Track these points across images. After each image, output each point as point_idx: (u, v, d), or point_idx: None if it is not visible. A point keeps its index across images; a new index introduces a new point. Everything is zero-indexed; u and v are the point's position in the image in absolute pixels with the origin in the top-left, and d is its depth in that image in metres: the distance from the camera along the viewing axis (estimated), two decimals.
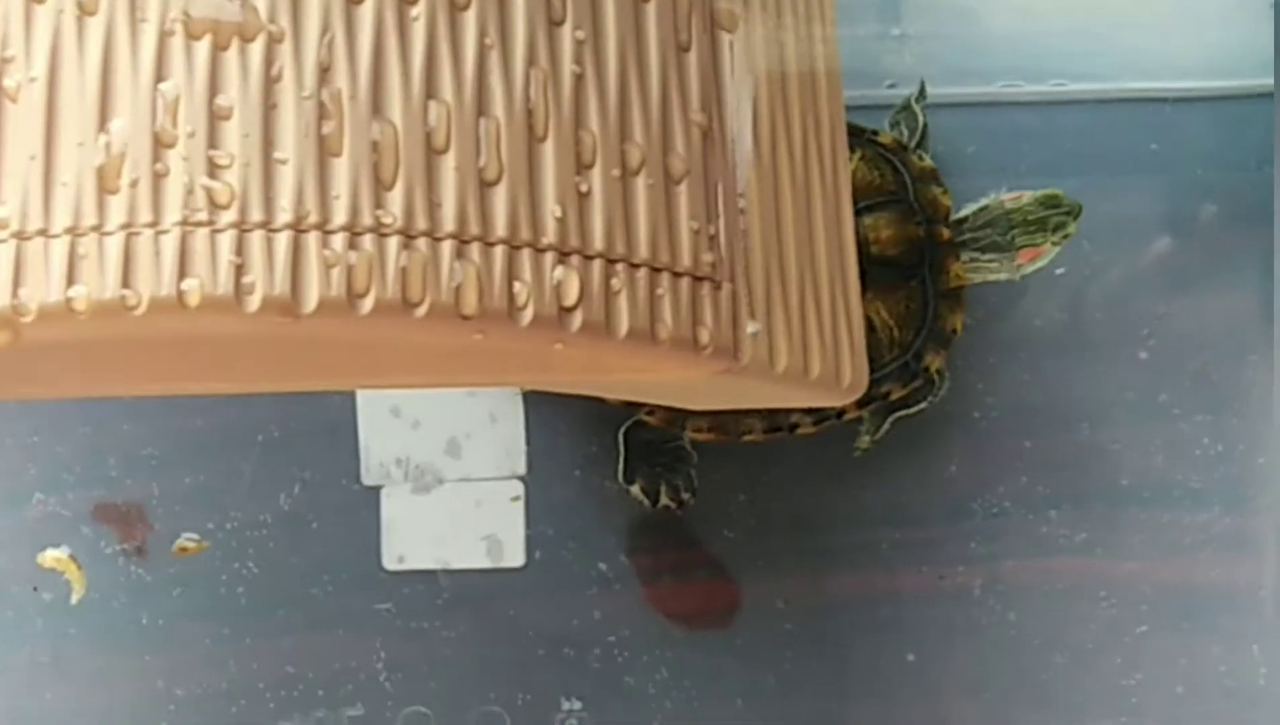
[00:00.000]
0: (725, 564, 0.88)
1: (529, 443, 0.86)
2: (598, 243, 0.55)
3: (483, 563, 0.87)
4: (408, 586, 0.87)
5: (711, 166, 0.59)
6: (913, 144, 0.87)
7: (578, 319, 0.54)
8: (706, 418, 0.82)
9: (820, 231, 0.63)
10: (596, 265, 0.55)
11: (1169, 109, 0.94)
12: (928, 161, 0.85)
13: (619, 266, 0.55)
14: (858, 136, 0.84)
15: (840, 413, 0.82)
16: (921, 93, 0.91)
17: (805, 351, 0.61)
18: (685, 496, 0.86)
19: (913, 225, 0.82)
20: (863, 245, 0.79)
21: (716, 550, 0.88)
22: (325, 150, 0.46)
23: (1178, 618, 0.86)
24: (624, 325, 0.55)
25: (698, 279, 0.57)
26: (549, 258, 0.54)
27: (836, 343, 0.63)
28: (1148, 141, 0.93)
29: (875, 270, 0.81)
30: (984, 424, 0.89)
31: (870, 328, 0.79)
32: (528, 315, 0.53)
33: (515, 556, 0.86)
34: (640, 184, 0.57)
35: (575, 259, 0.54)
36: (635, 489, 0.86)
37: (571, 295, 0.54)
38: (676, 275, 0.57)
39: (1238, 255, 0.91)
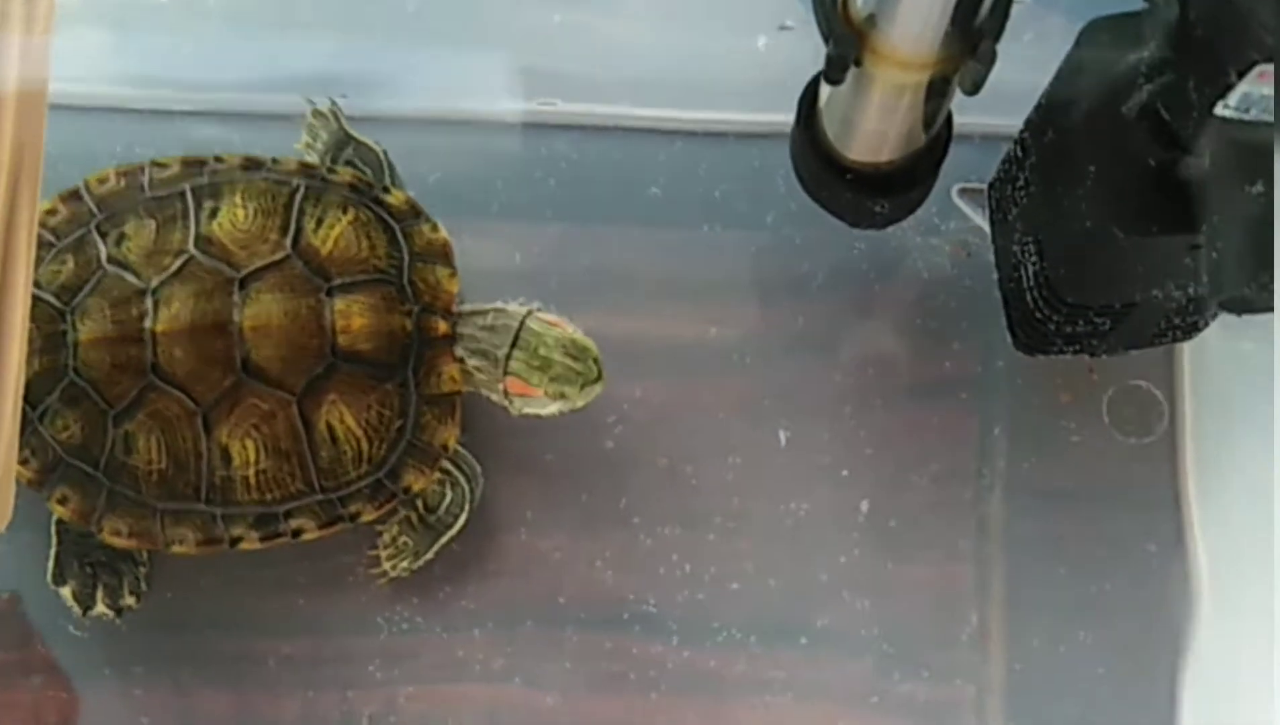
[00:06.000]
0: (65, 669, 0.79)
1: None
2: None
3: None
4: None
5: None
6: (383, 182, 0.80)
7: None
8: (126, 520, 0.74)
9: None
10: None
11: (679, 144, 0.88)
12: (441, 234, 0.77)
13: None
14: (361, 193, 0.77)
15: (297, 532, 0.74)
16: (336, 115, 0.83)
17: None
18: (128, 601, 0.77)
19: (399, 314, 0.74)
20: (329, 332, 0.72)
21: (58, 652, 0.79)
22: None
23: None
24: None
25: None
26: None
27: None
28: (648, 184, 0.87)
29: (343, 367, 0.73)
30: None
31: (331, 437, 0.73)
32: None
33: None
34: None
35: None
36: (66, 593, 0.77)
37: None
38: None
39: (744, 328, 0.85)
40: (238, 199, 0.75)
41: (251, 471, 0.73)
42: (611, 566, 0.81)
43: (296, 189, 0.76)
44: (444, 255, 0.77)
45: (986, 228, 0.84)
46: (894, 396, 0.84)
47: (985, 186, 0.82)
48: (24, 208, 0.57)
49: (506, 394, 0.76)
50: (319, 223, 0.75)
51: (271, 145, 0.81)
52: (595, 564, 0.81)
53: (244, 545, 0.74)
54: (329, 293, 0.73)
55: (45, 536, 0.77)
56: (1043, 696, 0.80)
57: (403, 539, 0.78)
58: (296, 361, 0.72)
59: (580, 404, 0.75)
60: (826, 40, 0.66)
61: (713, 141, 0.87)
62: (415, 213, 0.77)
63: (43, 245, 0.74)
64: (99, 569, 0.77)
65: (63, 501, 0.73)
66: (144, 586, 0.78)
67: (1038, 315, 0.76)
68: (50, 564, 0.76)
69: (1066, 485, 0.83)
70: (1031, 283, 0.75)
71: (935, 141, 0.75)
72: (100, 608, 0.76)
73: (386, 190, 0.78)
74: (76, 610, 0.76)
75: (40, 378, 0.72)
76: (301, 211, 0.75)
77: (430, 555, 0.78)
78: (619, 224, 0.86)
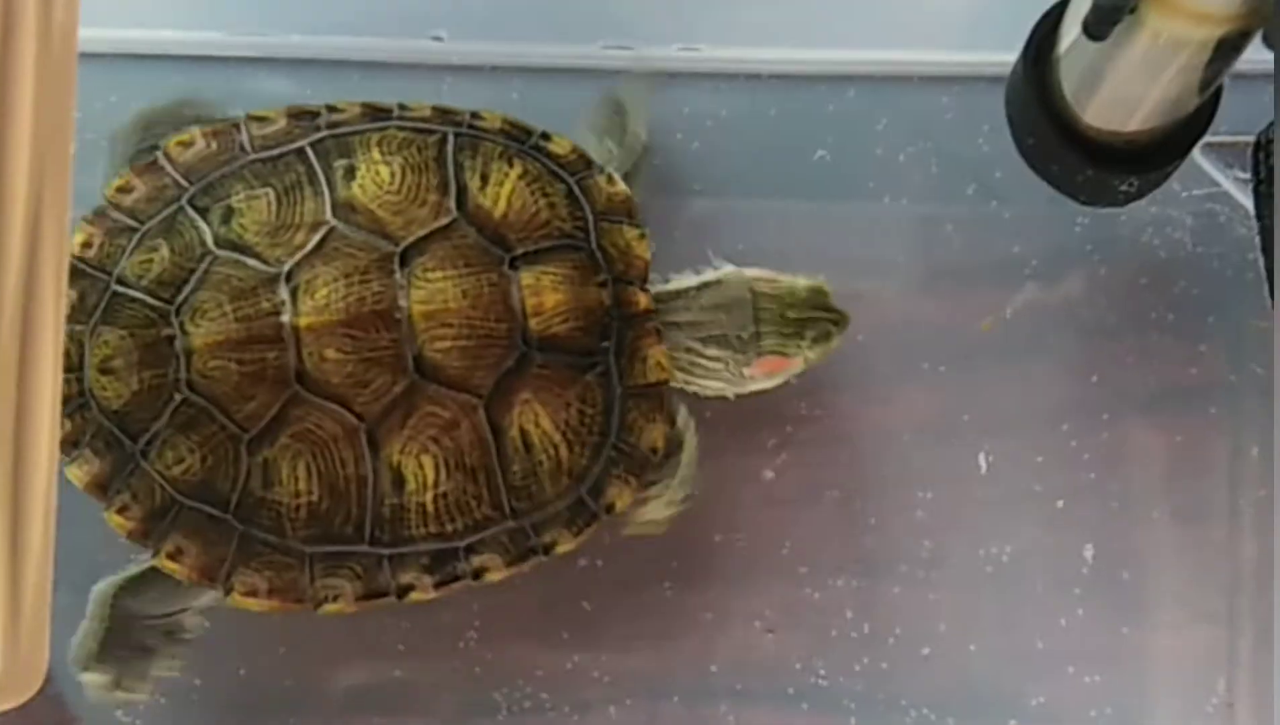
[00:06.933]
0: None
1: None
2: None
3: None
4: None
5: None
6: (617, 165, 0.67)
7: None
8: (265, 574, 0.61)
9: None
10: None
11: (853, 93, 0.73)
12: (620, 187, 0.65)
13: None
14: (520, 142, 0.65)
15: (480, 572, 0.62)
16: None
17: None
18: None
19: (594, 287, 0.62)
20: (519, 314, 0.60)
21: None
22: None
23: None
24: None
25: None
26: None
27: None
28: (814, 145, 0.73)
29: (537, 357, 0.61)
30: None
31: (525, 446, 0.61)
32: None
33: None
34: None
35: None
36: (95, 679, 0.62)
37: None
38: None
39: (936, 326, 0.72)
40: (375, 153, 0.63)
41: (429, 496, 0.60)
42: (773, 627, 0.69)
43: (444, 138, 0.63)
44: (628, 212, 0.64)
45: (1240, 194, 0.71)
46: (1124, 410, 0.71)
47: (1246, 143, 0.69)
48: (51, 193, 0.44)
49: (741, 378, 0.65)
50: (484, 178, 0.63)
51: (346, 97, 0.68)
52: (753, 624, 0.69)
53: (415, 595, 0.61)
54: (512, 264, 0.60)
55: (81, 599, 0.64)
56: None
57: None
58: (482, 354, 0.60)
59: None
60: None
61: (895, 88, 0.73)
62: (586, 162, 0.65)
63: (121, 231, 0.62)
64: (144, 651, 0.64)
65: (176, 556, 0.60)
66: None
67: None
68: (86, 643, 0.62)
69: None
70: None
71: (1203, 107, 0.59)
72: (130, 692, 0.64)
73: (547, 136, 0.65)
74: (100, 696, 0.63)
75: (142, 399, 0.60)
76: (459, 165, 0.63)
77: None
78: (778, 197, 0.72)
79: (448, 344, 0.60)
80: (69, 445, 0.60)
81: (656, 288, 0.65)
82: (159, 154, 0.64)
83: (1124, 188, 0.63)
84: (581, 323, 0.61)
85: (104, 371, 0.60)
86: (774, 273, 0.66)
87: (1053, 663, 0.68)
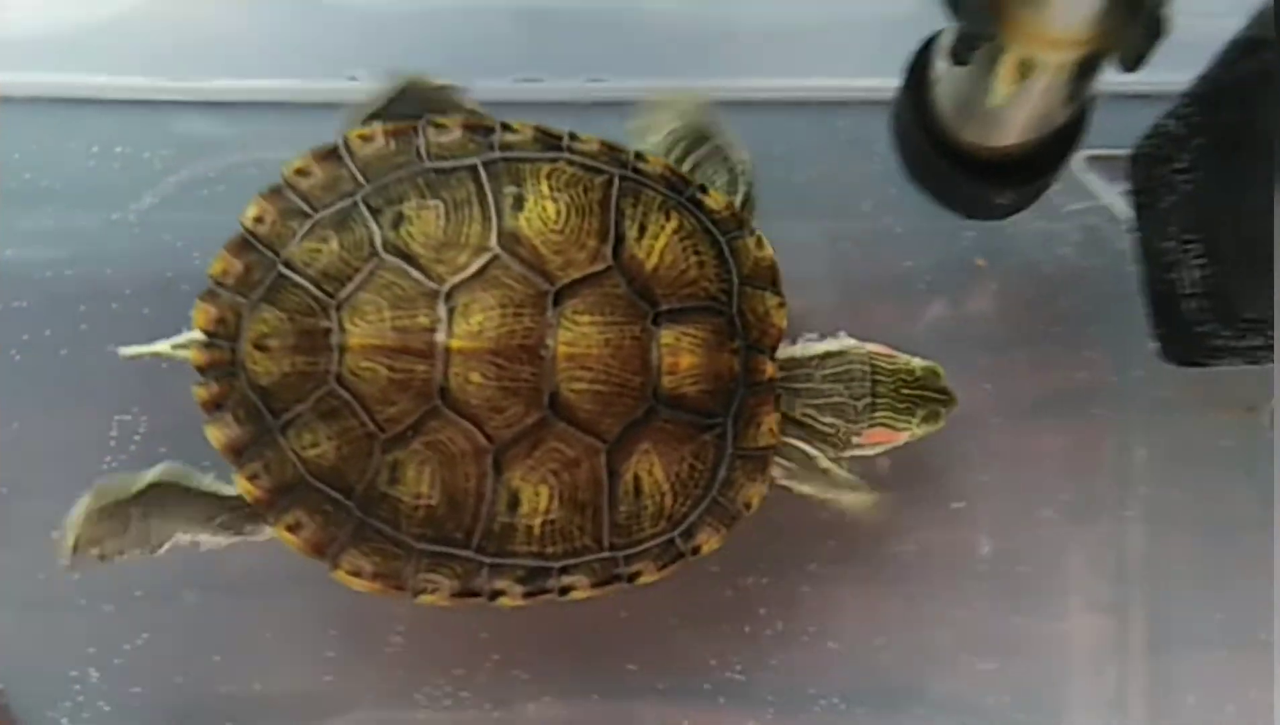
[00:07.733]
0: None
1: None
2: None
3: None
4: None
5: None
6: (739, 202, 0.67)
7: None
8: (372, 559, 0.63)
9: None
10: None
11: (751, 119, 0.72)
12: (768, 251, 0.65)
13: None
14: (679, 192, 0.65)
15: (566, 589, 0.63)
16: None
17: None
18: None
19: (728, 353, 0.63)
20: (654, 371, 0.62)
21: None
22: None
23: None
24: None
25: None
26: None
27: None
28: None
29: (663, 412, 0.62)
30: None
31: (636, 491, 0.63)
32: None
33: None
34: None
35: None
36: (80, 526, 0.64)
37: None
38: None
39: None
40: (545, 187, 0.63)
41: (538, 521, 0.62)
42: (689, 625, 0.71)
43: (610, 181, 0.64)
44: (772, 279, 0.65)
45: (1121, 207, 0.73)
46: (1015, 414, 0.74)
47: (1124, 156, 0.71)
48: None
49: (848, 444, 0.67)
50: (641, 229, 0.64)
51: (281, 139, 0.69)
52: (669, 622, 0.71)
53: (504, 601, 0.63)
54: (655, 320, 0.62)
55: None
56: None
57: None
58: (613, 402, 0.62)
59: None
60: (954, 10, 0.53)
61: (793, 113, 0.76)
62: (739, 223, 0.66)
63: (294, 214, 0.63)
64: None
65: (295, 528, 0.62)
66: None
67: (1199, 327, 0.63)
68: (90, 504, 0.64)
69: (1222, 516, 0.72)
70: (1192, 289, 0.63)
71: (1072, 123, 0.63)
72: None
73: (704, 190, 0.66)
74: (67, 544, 0.64)
75: (290, 381, 0.61)
76: (620, 212, 0.64)
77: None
78: None
79: (584, 387, 0.61)
80: (213, 406, 0.62)
81: (782, 351, 0.66)
82: (340, 142, 0.64)
83: (1001, 201, 0.67)
84: (710, 387, 0.63)
85: (259, 347, 0.61)
86: (892, 350, 0.68)
87: (954, 653, 0.71)
